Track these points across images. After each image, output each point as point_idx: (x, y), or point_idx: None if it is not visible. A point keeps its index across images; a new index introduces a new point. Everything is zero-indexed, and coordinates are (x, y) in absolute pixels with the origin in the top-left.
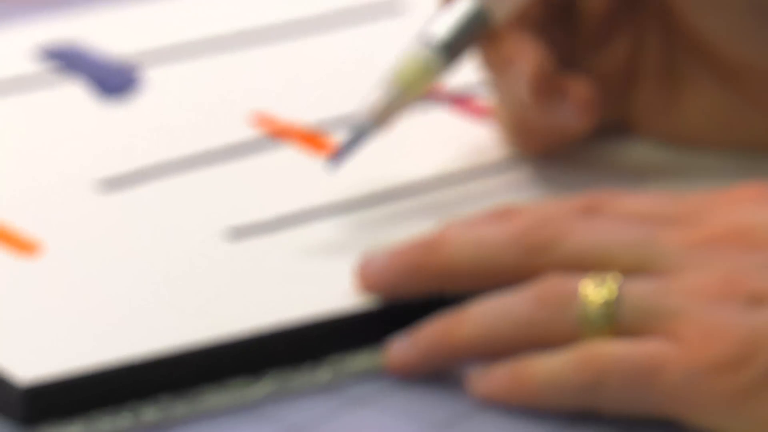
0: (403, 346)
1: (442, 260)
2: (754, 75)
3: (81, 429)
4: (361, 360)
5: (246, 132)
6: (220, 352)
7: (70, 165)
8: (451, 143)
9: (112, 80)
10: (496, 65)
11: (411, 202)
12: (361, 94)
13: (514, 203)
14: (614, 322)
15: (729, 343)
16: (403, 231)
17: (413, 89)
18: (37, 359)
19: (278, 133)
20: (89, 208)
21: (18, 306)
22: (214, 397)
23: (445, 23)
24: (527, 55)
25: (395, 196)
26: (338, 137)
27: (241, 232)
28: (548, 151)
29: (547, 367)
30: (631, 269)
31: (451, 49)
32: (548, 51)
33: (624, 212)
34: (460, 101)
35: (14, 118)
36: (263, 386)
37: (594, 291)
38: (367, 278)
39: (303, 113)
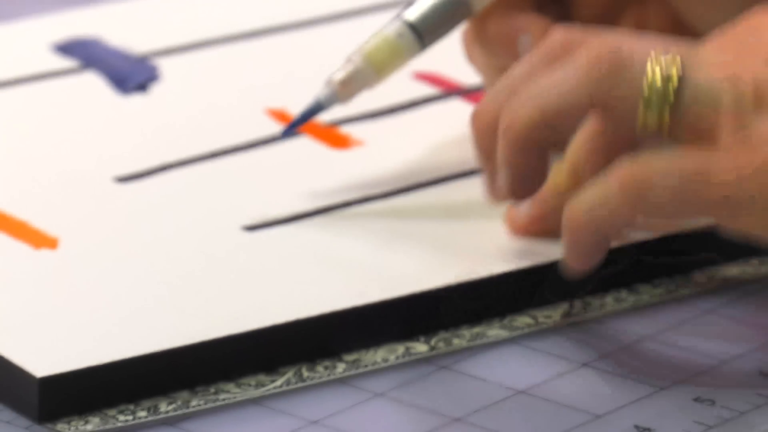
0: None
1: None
2: None
3: (97, 424)
4: (377, 355)
5: (262, 125)
6: (236, 346)
7: (88, 160)
8: (464, 133)
9: (130, 75)
10: (473, 38)
11: (427, 193)
12: (373, 90)
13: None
14: (675, 101)
15: None
16: (420, 223)
17: (382, 69)
18: (54, 354)
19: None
20: (107, 202)
21: (35, 300)
22: (231, 392)
23: (422, 5)
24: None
25: (413, 188)
26: (351, 130)
27: (259, 225)
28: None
29: (591, 193)
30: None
31: (425, 32)
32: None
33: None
34: (473, 94)
35: (31, 113)
36: (280, 381)
37: (660, 62)
38: (513, 220)
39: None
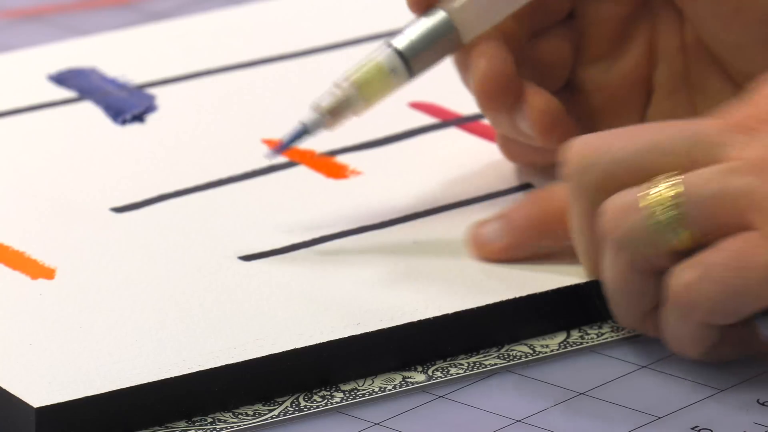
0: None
1: (561, 205)
2: None
3: None
4: (375, 384)
5: (259, 155)
6: (233, 376)
7: (85, 190)
8: (461, 163)
9: (127, 106)
10: (460, 65)
11: (425, 223)
12: (370, 120)
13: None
14: (687, 219)
15: None
16: (417, 253)
17: (370, 97)
18: (51, 384)
19: (290, 155)
20: (104, 232)
21: (32, 331)
22: (228, 422)
23: (411, 33)
24: (484, 56)
25: (409, 218)
26: (345, 160)
27: (255, 255)
28: (535, 163)
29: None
30: (684, 168)
31: (414, 60)
32: (509, 57)
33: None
34: (469, 124)
35: (28, 144)
36: (277, 410)
37: (656, 194)
38: (484, 245)
39: (313, 139)
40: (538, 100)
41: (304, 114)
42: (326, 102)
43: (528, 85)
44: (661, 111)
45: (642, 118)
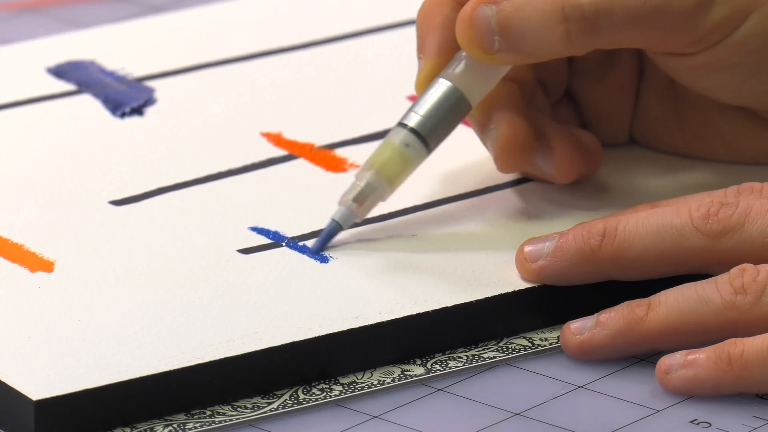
0: (586, 326)
1: (617, 248)
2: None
3: None
4: (374, 377)
5: (258, 148)
6: (232, 369)
7: (84, 183)
8: (459, 156)
9: (126, 99)
10: (475, 126)
11: (423, 216)
12: (368, 113)
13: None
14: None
15: None
16: (416, 246)
17: (394, 180)
18: (50, 377)
19: (289, 148)
20: (103, 225)
21: (31, 323)
22: (227, 415)
23: (422, 108)
24: (501, 125)
25: (408, 211)
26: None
27: (254, 248)
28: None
29: (755, 346)
30: None
31: (430, 136)
32: (525, 123)
33: None
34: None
35: (27, 136)
36: (276, 403)
37: None
38: (532, 268)
39: (312, 132)
40: (563, 146)
41: (311, 111)
42: (352, 194)
43: (551, 128)
44: (652, 114)
45: (630, 122)
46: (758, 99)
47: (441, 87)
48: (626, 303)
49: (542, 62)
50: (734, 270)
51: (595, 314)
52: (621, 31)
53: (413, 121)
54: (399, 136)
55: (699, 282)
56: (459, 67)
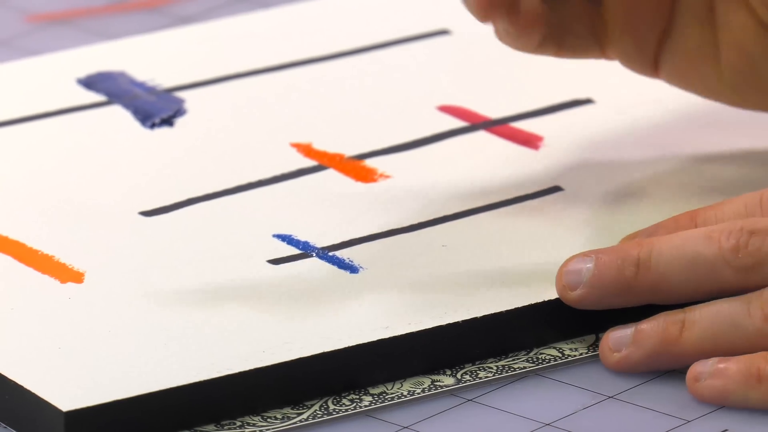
0: (624, 342)
1: (653, 281)
2: None
3: None
4: (404, 388)
5: (287, 159)
6: (262, 379)
7: (113, 194)
8: (489, 166)
9: (155, 110)
10: None
11: (453, 226)
12: (398, 123)
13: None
14: None
15: None
16: (445, 256)
17: None
18: (79, 388)
19: (318, 159)
20: (132, 236)
21: (61, 334)
22: (257, 425)
23: None
24: None
25: (438, 221)
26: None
27: (284, 259)
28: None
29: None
30: None
31: None
32: None
33: None
34: (498, 127)
35: (57, 147)
36: (306, 414)
37: None
38: (572, 297)
39: (342, 142)
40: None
41: (341, 121)
42: None
43: None
44: (684, 42)
45: (659, 44)
46: None
47: None
48: (662, 316)
49: None
50: (766, 295)
51: (633, 325)
52: None
53: None
54: None
55: (733, 301)
56: None
